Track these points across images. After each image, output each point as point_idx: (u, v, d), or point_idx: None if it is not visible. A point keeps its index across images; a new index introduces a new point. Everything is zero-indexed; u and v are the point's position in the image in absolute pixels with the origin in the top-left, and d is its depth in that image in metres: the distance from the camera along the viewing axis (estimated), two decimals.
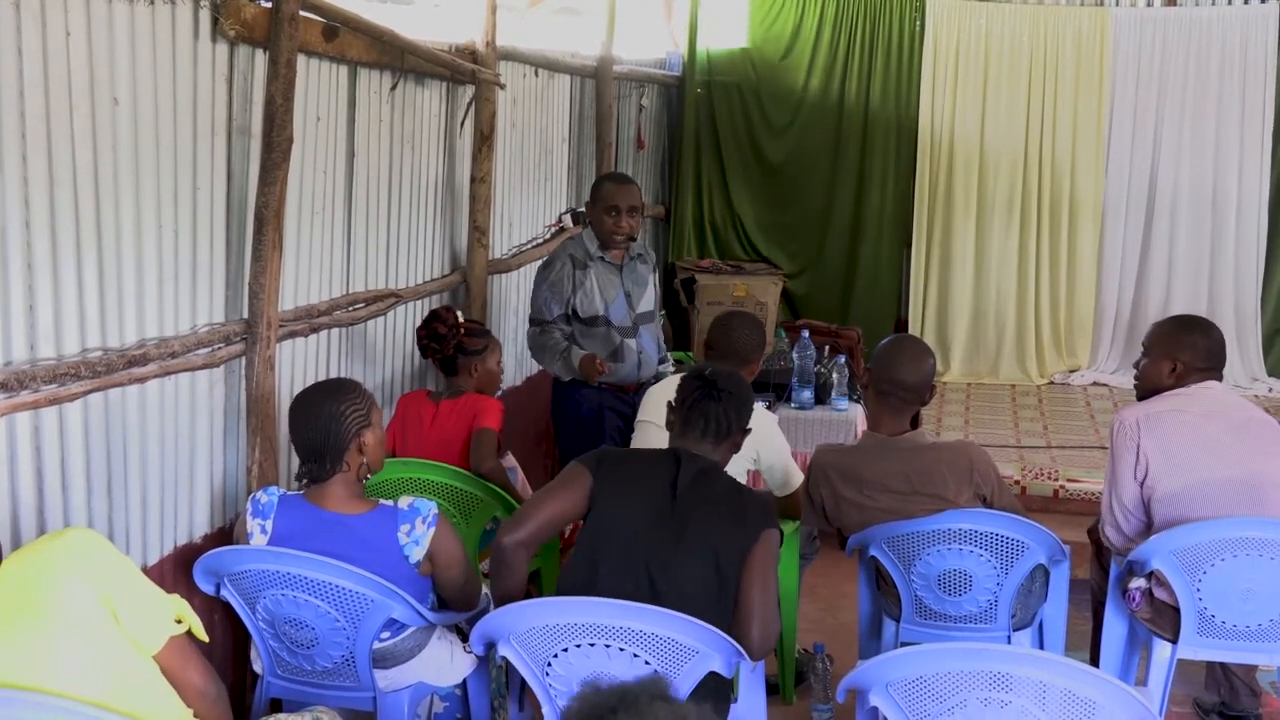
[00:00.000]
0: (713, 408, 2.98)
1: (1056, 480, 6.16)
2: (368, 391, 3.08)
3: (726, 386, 3.00)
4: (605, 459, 2.96)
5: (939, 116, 8.26)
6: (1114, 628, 3.65)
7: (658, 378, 4.63)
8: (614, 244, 4.63)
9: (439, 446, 4.02)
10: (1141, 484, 3.48)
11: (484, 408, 4.07)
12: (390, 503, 3.02)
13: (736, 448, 3.07)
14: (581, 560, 2.86)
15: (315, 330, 3.99)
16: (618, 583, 2.79)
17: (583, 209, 6.42)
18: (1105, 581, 3.75)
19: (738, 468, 3.88)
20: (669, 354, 5.08)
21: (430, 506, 3.01)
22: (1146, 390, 3.65)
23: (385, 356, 4.59)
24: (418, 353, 4.36)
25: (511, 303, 5.85)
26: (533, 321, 4.69)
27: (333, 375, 4.14)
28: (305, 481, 3.02)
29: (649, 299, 4.78)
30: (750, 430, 3.10)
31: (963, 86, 8.24)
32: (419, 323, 4.35)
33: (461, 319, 4.18)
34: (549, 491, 2.95)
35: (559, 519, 2.93)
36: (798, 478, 3.94)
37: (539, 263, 5.97)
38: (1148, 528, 3.52)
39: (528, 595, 2.93)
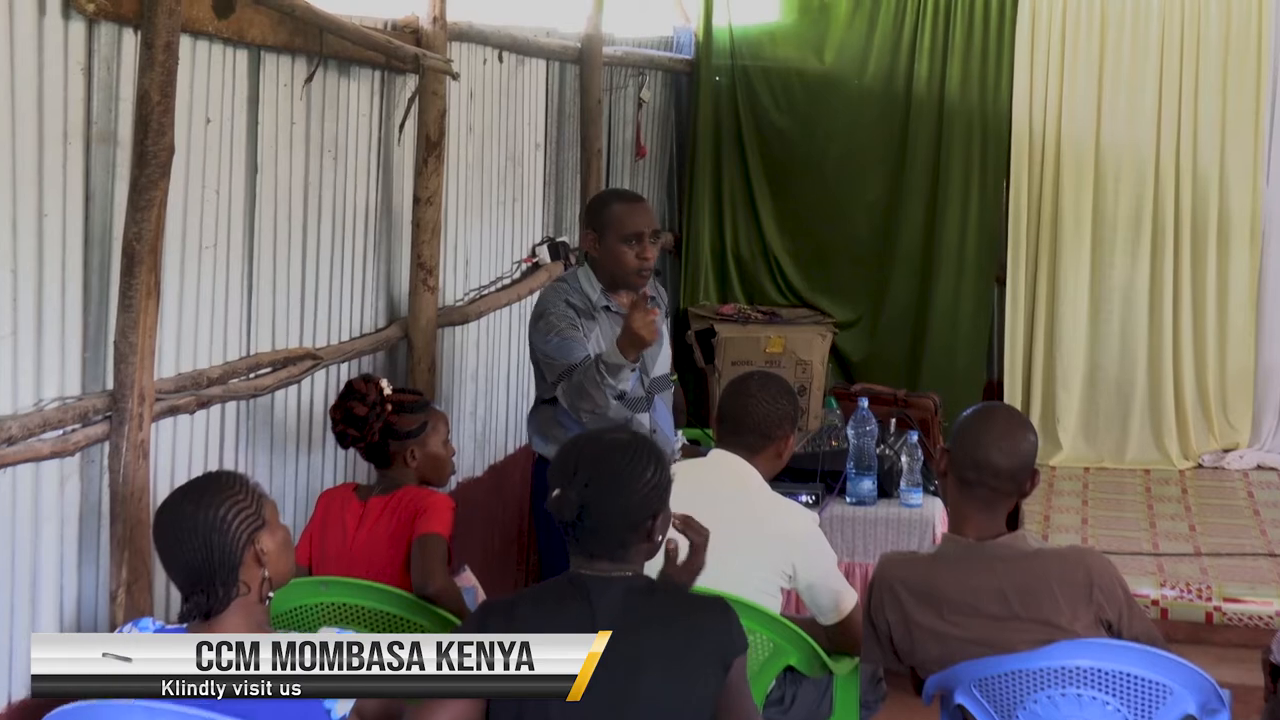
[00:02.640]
0: (580, 510, 2.87)
1: (1210, 600, 6.13)
2: (251, 482, 3.06)
3: (587, 471, 2.90)
4: (487, 623, 2.88)
5: (1039, 109, 8.30)
6: None
7: None
8: (636, 283, 4.57)
9: (368, 558, 4.01)
10: None
11: (428, 506, 4.04)
12: None
13: (651, 537, 2.96)
14: None
15: (205, 405, 3.99)
16: None
17: (564, 239, 6.45)
18: None
19: (767, 588, 3.88)
20: (679, 433, 5.06)
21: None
22: None
23: (300, 439, 4.59)
24: None
25: (469, 364, 5.85)
26: (559, 377, 4.43)
27: (228, 465, 4.13)
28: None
29: (664, 359, 4.76)
30: (668, 482, 2.97)
31: (1071, 69, 8.29)
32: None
33: (388, 390, 4.16)
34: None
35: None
36: (851, 598, 3.94)
37: (504, 311, 6.02)
38: None
39: None
